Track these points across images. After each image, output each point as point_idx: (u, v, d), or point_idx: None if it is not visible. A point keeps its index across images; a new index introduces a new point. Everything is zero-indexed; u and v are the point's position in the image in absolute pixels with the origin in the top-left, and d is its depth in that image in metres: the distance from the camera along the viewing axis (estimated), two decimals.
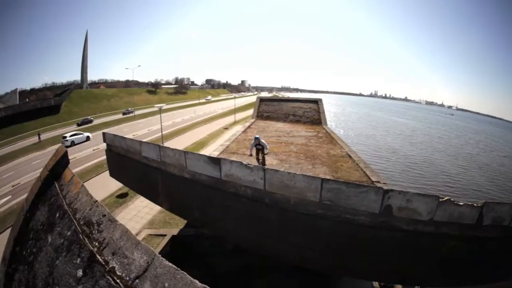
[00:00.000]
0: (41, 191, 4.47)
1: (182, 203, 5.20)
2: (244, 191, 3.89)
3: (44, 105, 57.75)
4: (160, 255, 2.34)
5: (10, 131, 45.52)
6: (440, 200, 3.02)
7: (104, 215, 3.13)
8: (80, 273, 2.70)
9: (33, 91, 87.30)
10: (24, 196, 18.73)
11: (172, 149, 4.84)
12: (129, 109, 62.55)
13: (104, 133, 7.02)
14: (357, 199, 3.27)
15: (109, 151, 7.07)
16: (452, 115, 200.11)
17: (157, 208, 13.18)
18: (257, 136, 9.21)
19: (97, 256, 2.69)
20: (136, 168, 5.96)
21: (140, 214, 14.86)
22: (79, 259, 2.85)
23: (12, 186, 22.74)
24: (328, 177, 6.02)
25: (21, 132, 45.58)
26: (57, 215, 3.73)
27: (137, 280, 2.27)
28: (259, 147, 9.15)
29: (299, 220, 3.61)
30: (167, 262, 2.27)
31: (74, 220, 3.34)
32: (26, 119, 50.74)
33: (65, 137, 39.57)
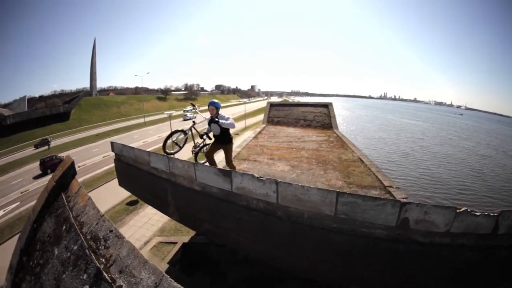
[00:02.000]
0: (48, 202, 4.44)
1: (192, 215, 5.10)
2: (256, 204, 3.79)
3: (53, 112, 58.93)
4: (168, 276, 2.25)
5: (18, 138, 46.46)
6: (457, 211, 2.91)
7: (111, 231, 3.06)
8: None
9: (42, 98, 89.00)
10: (32, 203, 19.14)
11: (181, 161, 4.74)
12: (47, 138, 44.82)
13: (112, 143, 6.96)
14: (373, 213, 3.15)
15: (117, 160, 7.00)
16: (462, 115, 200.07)
17: None
18: (214, 100, 6.10)
19: (104, 273, 2.62)
20: (145, 179, 5.87)
21: (150, 222, 14.99)
22: (85, 275, 2.79)
23: (21, 193, 23.23)
24: (342, 185, 5.94)
25: (30, 139, 46.37)
26: (64, 227, 3.69)
27: None
28: (216, 129, 5.97)
29: (313, 234, 3.50)
30: (175, 284, 2.18)
31: (81, 234, 3.29)
32: (35, 126, 51.66)
33: (186, 114, 56.68)
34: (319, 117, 15.19)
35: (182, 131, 6.36)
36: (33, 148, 40.74)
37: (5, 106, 64.82)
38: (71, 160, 4.73)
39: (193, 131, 6.62)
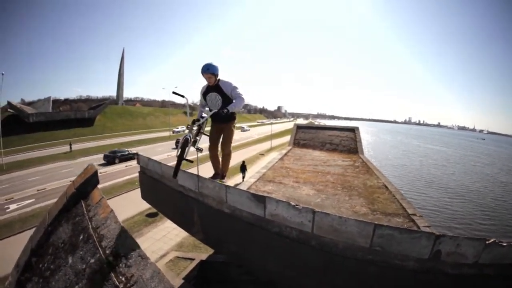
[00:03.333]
0: (66, 208, 4.40)
1: (218, 237, 4.98)
2: (289, 232, 3.67)
3: (77, 116, 60.20)
4: None
5: (40, 136, 47.46)
6: (487, 242, 2.84)
7: (134, 250, 2.94)
8: None
9: (66, 101, 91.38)
10: (47, 202, 19.37)
11: (212, 181, 4.63)
12: None
13: (138, 155, 6.96)
14: (408, 245, 3.07)
15: (142, 173, 7.00)
16: (484, 139, 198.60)
17: None
18: (207, 63, 4.48)
19: None
20: (171, 195, 5.78)
21: (169, 236, 14.90)
22: None
23: (37, 190, 23.54)
24: (366, 211, 5.76)
25: (51, 140, 47.27)
26: (81, 237, 3.61)
27: None
28: (216, 101, 4.68)
29: (346, 265, 3.39)
30: None
31: (100, 248, 3.19)
32: (58, 127, 52.67)
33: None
34: (345, 141, 15.13)
35: (185, 140, 4.63)
36: None
37: (29, 104, 66.38)
38: (94, 169, 4.65)
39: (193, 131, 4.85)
